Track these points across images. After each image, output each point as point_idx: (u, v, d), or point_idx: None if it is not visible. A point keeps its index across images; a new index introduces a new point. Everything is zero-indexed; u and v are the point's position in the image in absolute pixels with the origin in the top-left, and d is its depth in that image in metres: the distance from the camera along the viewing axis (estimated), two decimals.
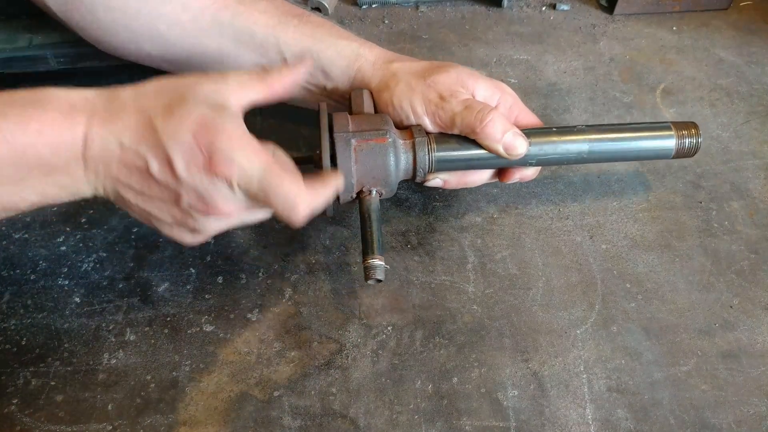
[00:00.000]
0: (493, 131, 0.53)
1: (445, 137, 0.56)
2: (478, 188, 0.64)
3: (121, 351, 0.53)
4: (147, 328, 0.54)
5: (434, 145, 0.55)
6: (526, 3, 0.83)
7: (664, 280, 0.58)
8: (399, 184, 0.58)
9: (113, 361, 0.53)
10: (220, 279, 0.57)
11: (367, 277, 0.51)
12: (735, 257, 0.59)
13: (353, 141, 0.52)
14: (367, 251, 0.51)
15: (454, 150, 0.55)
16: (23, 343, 0.53)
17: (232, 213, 0.47)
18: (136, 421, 0.49)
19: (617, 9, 0.81)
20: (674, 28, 0.80)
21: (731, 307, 0.56)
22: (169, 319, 0.55)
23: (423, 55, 0.76)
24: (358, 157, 0.52)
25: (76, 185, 0.45)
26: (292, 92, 0.50)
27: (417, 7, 0.82)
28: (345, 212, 0.62)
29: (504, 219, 0.62)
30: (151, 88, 0.46)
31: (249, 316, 0.55)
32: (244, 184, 0.45)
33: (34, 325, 0.54)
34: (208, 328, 0.54)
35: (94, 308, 0.55)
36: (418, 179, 0.56)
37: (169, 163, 0.44)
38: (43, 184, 0.44)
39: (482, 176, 0.59)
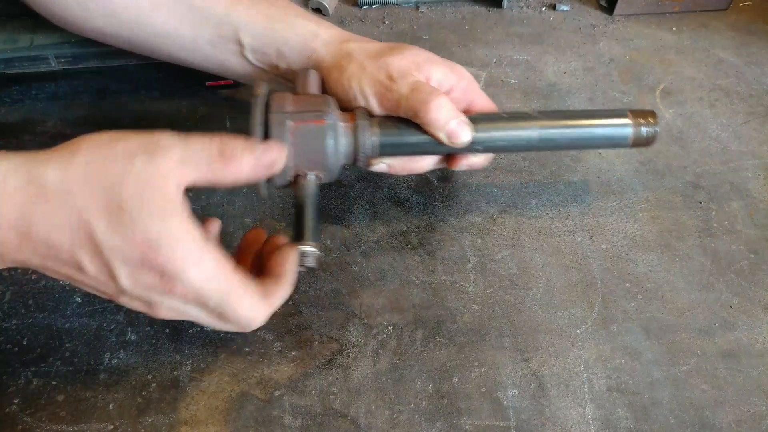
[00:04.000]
0: (436, 117, 0.51)
1: (390, 121, 0.53)
2: (478, 188, 0.64)
3: (122, 351, 0.53)
4: (148, 328, 0.54)
5: (377, 129, 0.52)
6: (526, 3, 0.83)
7: (663, 279, 0.58)
8: (399, 182, 0.59)
9: (114, 361, 0.53)
10: None
11: (299, 263, 0.48)
12: (735, 257, 0.59)
13: (289, 122, 0.49)
14: (297, 237, 0.49)
15: (398, 135, 0.53)
16: (24, 342, 0.54)
17: (173, 318, 0.44)
18: (137, 421, 0.50)
19: (617, 9, 0.81)
20: (674, 28, 0.80)
21: (731, 306, 0.56)
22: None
23: None
24: (294, 140, 0.49)
25: None
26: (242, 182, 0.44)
27: (417, 8, 0.82)
28: (345, 212, 0.62)
29: (504, 219, 0.62)
30: (79, 170, 0.39)
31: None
32: (199, 305, 0.43)
33: (35, 324, 0.54)
34: (209, 328, 0.54)
35: (95, 308, 0.55)
36: (360, 164, 0.54)
37: (110, 273, 0.41)
38: None
39: (428, 162, 0.57)
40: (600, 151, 0.67)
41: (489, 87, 0.73)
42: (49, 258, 0.41)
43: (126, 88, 0.71)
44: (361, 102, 0.54)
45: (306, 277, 0.58)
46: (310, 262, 0.49)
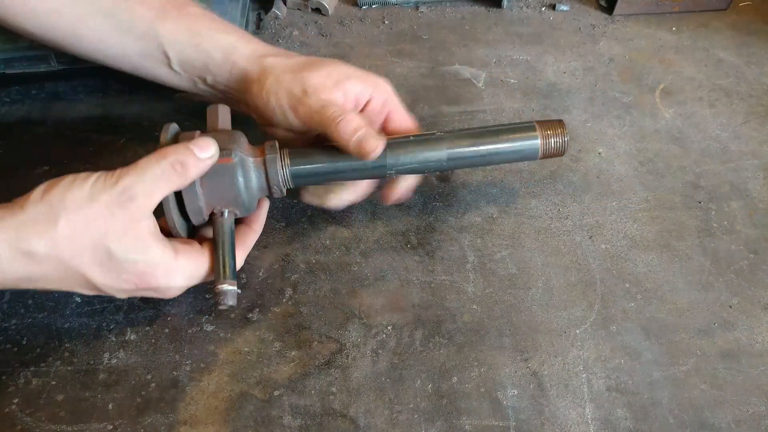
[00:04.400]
0: (344, 130, 0.52)
1: (301, 151, 0.54)
2: (478, 188, 0.64)
3: (121, 350, 0.53)
4: (148, 328, 0.54)
5: (288, 160, 0.53)
6: (526, 3, 0.83)
7: (663, 279, 0.58)
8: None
9: (114, 361, 0.53)
10: None
11: (217, 303, 0.50)
12: (734, 257, 0.59)
13: None
14: (217, 276, 0.51)
15: (310, 163, 0.54)
16: (24, 342, 0.54)
17: None
18: (136, 421, 0.50)
19: (617, 9, 0.81)
20: (674, 28, 0.80)
21: (730, 306, 0.56)
22: (169, 318, 0.55)
23: (423, 55, 0.77)
24: (202, 180, 0.50)
25: None
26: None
27: (417, 8, 0.82)
28: (345, 212, 0.62)
29: (504, 219, 0.62)
30: (64, 235, 0.45)
31: (249, 315, 0.55)
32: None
33: (34, 324, 0.54)
34: (209, 328, 0.54)
35: (94, 308, 0.55)
36: (276, 195, 0.55)
37: (110, 297, 0.51)
38: None
39: (345, 198, 0.59)
40: (600, 150, 0.67)
41: (489, 87, 0.73)
42: (47, 291, 0.52)
43: (126, 88, 0.71)
44: (278, 115, 0.55)
45: (306, 277, 0.58)
46: (230, 301, 0.51)
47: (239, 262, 0.54)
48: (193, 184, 0.50)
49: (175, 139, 0.52)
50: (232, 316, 0.55)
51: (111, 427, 0.49)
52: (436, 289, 0.57)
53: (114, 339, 0.54)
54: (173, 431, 0.49)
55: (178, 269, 0.50)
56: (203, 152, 0.49)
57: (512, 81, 0.74)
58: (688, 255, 0.59)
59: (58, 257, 0.46)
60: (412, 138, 0.55)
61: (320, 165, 0.54)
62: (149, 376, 0.52)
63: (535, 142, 0.56)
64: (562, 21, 0.81)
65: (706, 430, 0.50)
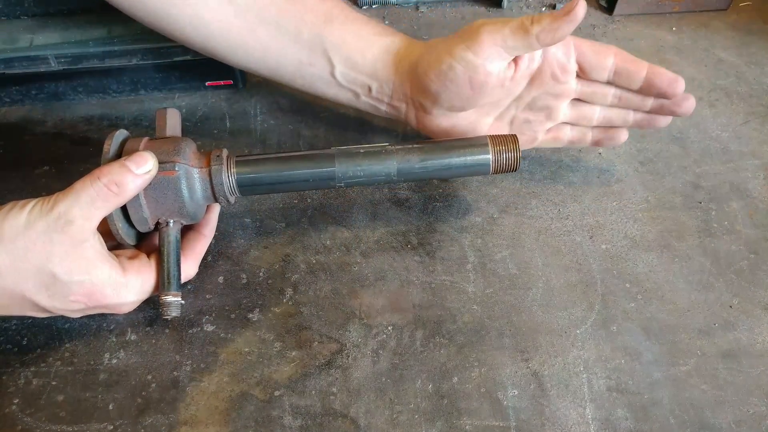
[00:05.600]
0: (535, 22, 0.51)
1: (249, 160, 0.54)
2: (478, 188, 0.64)
3: (122, 351, 0.53)
4: (148, 328, 0.54)
5: (234, 170, 0.53)
6: (526, 3, 0.83)
7: (663, 280, 0.58)
8: (395, 185, 0.58)
9: (114, 361, 0.53)
10: (220, 279, 0.57)
11: (162, 314, 0.51)
12: (734, 257, 0.59)
13: None
14: (162, 287, 0.51)
15: (257, 173, 0.54)
16: (24, 342, 0.54)
17: None
18: (137, 421, 0.50)
19: (617, 9, 0.81)
20: (674, 28, 0.80)
21: (731, 307, 0.56)
22: (169, 319, 0.55)
23: None
24: (146, 191, 0.50)
25: None
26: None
27: (417, 8, 0.82)
28: (345, 212, 0.62)
29: (504, 219, 0.62)
30: (6, 261, 0.45)
31: (250, 316, 0.55)
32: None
33: (35, 325, 0.54)
34: (209, 328, 0.54)
35: None
36: (223, 204, 0.55)
37: (63, 316, 0.51)
38: None
39: None
40: (600, 150, 0.67)
41: None
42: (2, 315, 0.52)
43: (126, 88, 0.71)
44: (449, 80, 0.54)
45: (306, 278, 0.58)
46: (174, 312, 0.51)
47: (192, 270, 0.55)
48: (137, 196, 0.50)
49: (122, 146, 0.52)
50: (233, 316, 0.55)
51: (111, 427, 0.49)
52: (436, 289, 0.57)
53: (114, 339, 0.54)
54: (173, 431, 0.49)
55: (127, 285, 0.50)
56: (140, 168, 0.49)
57: None
58: (688, 255, 0.59)
59: (4, 285, 0.46)
60: (362, 150, 0.55)
61: (267, 174, 0.54)
62: (149, 377, 0.52)
63: (486, 157, 0.56)
64: None
65: (707, 431, 0.50)
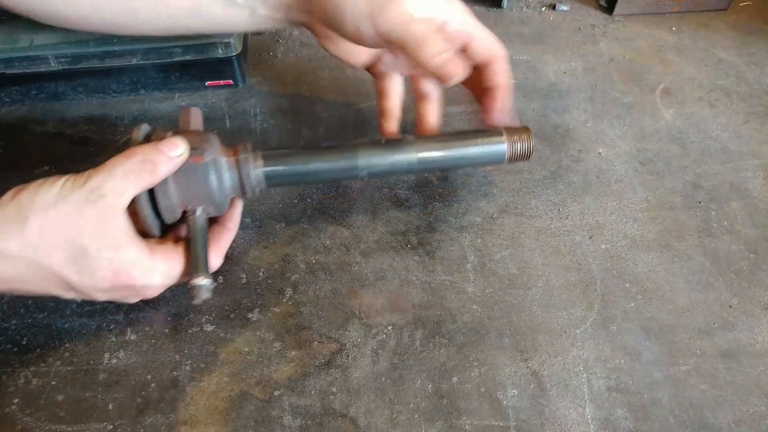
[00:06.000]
0: (429, 50, 0.50)
1: (274, 152, 0.55)
2: (478, 188, 0.64)
3: (121, 351, 0.53)
4: (148, 328, 0.54)
5: (261, 161, 0.54)
6: (526, 3, 0.83)
7: (663, 279, 0.58)
8: (398, 183, 0.58)
9: (114, 361, 0.53)
10: (220, 279, 0.57)
11: (192, 297, 0.50)
12: (734, 257, 0.59)
13: None
14: (192, 271, 0.51)
15: (283, 165, 0.55)
16: (24, 342, 0.54)
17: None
18: (136, 421, 0.50)
19: (617, 9, 0.81)
20: (674, 28, 0.80)
21: (731, 306, 0.56)
22: (169, 318, 0.55)
23: None
24: (175, 178, 0.51)
25: None
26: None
27: None
28: (345, 212, 0.62)
29: (504, 219, 0.62)
30: (36, 235, 0.45)
31: (249, 315, 0.55)
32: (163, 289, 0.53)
33: (34, 324, 0.54)
34: (209, 328, 0.54)
35: (94, 308, 0.55)
36: (249, 196, 0.55)
37: (89, 297, 0.49)
38: None
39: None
40: (600, 150, 0.67)
41: None
42: (30, 294, 0.49)
43: (126, 88, 0.71)
44: (350, 23, 0.51)
45: (306, 277, 0.58)
46: (205, 295, 0.51)
47: (217, 263, 0.54)
48: (165, 182, 0.50)
49: (147, 140, 0.52)
50: (233, 316, 0.55)
51: (111, 427, 0.49)
52: (436, 289, 0.57)
53: (114, 339, 0.54)
54: (173, 431, 0.49)
55: (155, 268, 0.50)
56: (172, 150, 0.49)
57: (512, 81, 0.74)
58: (688, 255, 0.59)
59: (33, 257, 0.45)
60: (383, 141, 0.57)
61: (293, 166, 0.55)
62: (149, 376, 0.52)
63: (501, 147, 0.58)
64: (562, 21, 0.81)
65: (707, 430, 0.50)
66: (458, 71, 0.51)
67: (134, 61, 0.66)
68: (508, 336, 0.54)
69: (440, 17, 0.53)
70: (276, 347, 0.54)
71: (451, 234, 0.61)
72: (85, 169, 0.48)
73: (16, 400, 0.51)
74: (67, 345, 0.53)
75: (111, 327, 0.54)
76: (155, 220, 0.52)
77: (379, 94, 0.62)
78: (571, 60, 0.76)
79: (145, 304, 0.55)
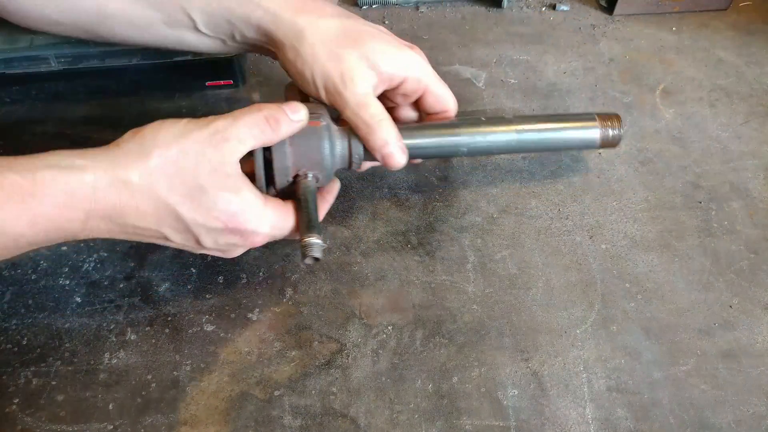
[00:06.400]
0: (374, 139, 0.54)
1: None
2: (478, 188, 0.64)
3: (122, 351, 0.53)
4: (148, 328, 0.54)
5: None
6: (526, 3, 0.83)
7: (663, 279, 0.58)
8: (398, 183, 0.58)
9: (114, 361, 0.53)
10: (220, 279, 0.57)
11: (304, 255, 0.50)
12: (734, 257, 0.59)
13: None
14: (303, 230, 0.51)
15: None
16: (24, 342, 0.54)
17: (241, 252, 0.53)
18: (137, 421, 0.50)
19: (617, 9, 0.81)
20: (674, 28, 0.80)
21: (731, 306, 0.56)
22: (170, 318, 0.55)
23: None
24: (292, 140, 0.52)
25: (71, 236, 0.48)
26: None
27: (417, 8, 0.82)
28: (345, 212, 0.62)
29: (504, 219, 0.62)
30: (156, 165, 0.46)
31: (250, 315, 0.55)
32: (269, 240, 0.53)
33: (35, 324, 0.54)
34: (209, 328, 0.54)
35: (95, 308, 0.55)
36: (354, 167, 0.56)
37: (195, 239, 0.49)
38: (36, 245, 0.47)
39: None
40: (600, 151, 0.67)
41: (489, 87, 0.73)
42: (135, 235, 0.49)
43: (126, 88, 0.71)
44: (311, 88, 0.55)
45: (306, 277, 0.58)
46: (317, 253, 0.50)
47: None
48: (283, 144, 0.51)
49: None
50: (233, 316, 0.55)
51: (111, 427, 0.49)
52: (436, 289, 0.57)
53: (114, 339, 0.54)
54: (173, 431, 0.49)
55: (266, 215, 0.50)
56: (295, 114, 0.50)
57: (512, 81, 0.74)
58: (688, 255, 0.59)
59: (151, 188, 0.46)
60: (484, 118, 0.58)
61: (404, 141, 0.56)
62: (149, 376, 0.52)
63: (595, 132, 0.59)
64: (562, 21, 0.81)
65: (707, 430, 0.50)
66: (402, 162, 0.55)
67: (134, 61, 0.66)
68: (509, 336, 0.54)
69: (398, 76, 0.55)
70: (276, 347, 0.54)
71: (451, 234, 0.61)
72: None
73: (16, 400, 0.50)
74: (67, 345, 0.53)
75: (111, 327, 0.54)
76: (264, 186, 0.53)
77: None
78: (571, 60, 0.76)
79: (145, 303, 0.55)
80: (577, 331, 0.55)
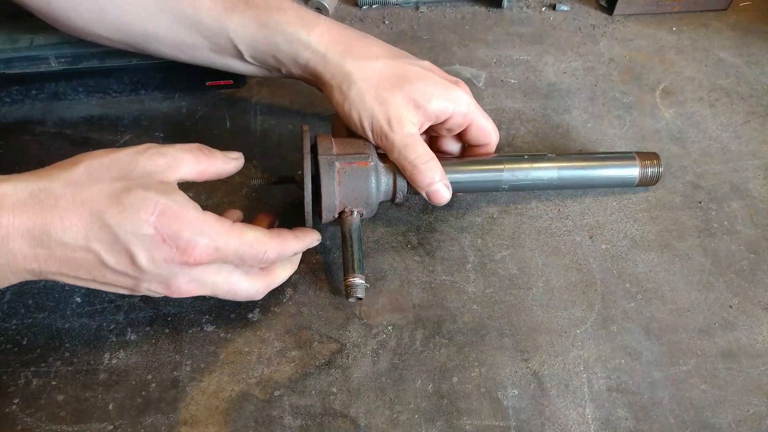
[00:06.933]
0: (421, 179, 0.55)
1: None
2: None
3: (122, 351, 0.53)
4: (148, 328, 0.54)
5: None
6: (526, 3, 0.83)
7: (663, 279, 0.58)
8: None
9: (114, 361, 0.53)
10: None
11: (348, 296, 0.53)
12: (734, 257, 0.59)
13: (337, 164, 0.54)
14: (348, 270, 0.53)
15: None
16: (24, 342, 0.54)
17: (194, 293, 0.47)
18: (137, 421, 0.50)
19: (617, 9, 0.81)
20: (674, 28, 0.80)
21: (731, 306, 0.56)
22: (170, 319, 0.55)
23: (423, 55, 0.76)
24: (341, 179, 0.53)
25: None
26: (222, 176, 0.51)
27: (417, 8, 0.82)
28: None
29: (504, 219, 0.62)
30: (81, 173, 0.43)
31: (250, 316, 0.55)
32: (219, 260, 0.46)
33: (35, 324, 0.54)
34: (209, 328, 0.54)
35: (95, 308, 0.55)
36: (398, 201, 0.57)
37: (129, 256, 0.43)
38: None
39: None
40: (600, 151, 0.67)
41: (489, 87, 0.73)
42: (66, 262, 0.43)
43: (126, 88, 0.71)
44: (359, 130, 0.56)
45: (306, 277, 0.58)
46: (359, 293, 0.53)
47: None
48: (332, 182, 0.53)
49: (314, 139, 0.56)
50: (233, 316, 0.55)
51: (111, 427, 0.49)
52: (436, 289, 0.57)
53: (114, 339, 0.54)
54: (173, 431, 0.49)
55: (206, 220, 0.44)
56: (232, 153, 0.51)
57: (512, 81, 0.74)
58: (688, 255, 0.59)
59: (75, 195, 0.42)
60: (526, 156, 0.59)
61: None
62: (149, 376, 0.52)
63: (634, 171, 0.60)
64: (562, 21, 0.81)
65: (707, 431, 0.50)
66: (447, 197, 0.56)
67: (134, 61, 0.66)
68: (509, 336, 0.54)
69: (445, 113, 0.56)
70: (276, 347, 0.54)
71: (451, 234, 0.61)
72: None
73: (16, 400, 0.50)
74: (67, 345, 0.53)
75: (111, 327, 0.54)
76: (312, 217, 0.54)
77: None
78: (571, 60, 0.76)
79: (145, 303, 0.55)
80: (577, 331, 0.55)
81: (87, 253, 0.43)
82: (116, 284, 0.45)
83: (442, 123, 0.57)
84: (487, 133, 0.59)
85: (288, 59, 0.57)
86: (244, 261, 0.48)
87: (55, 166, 0.45)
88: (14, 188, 0.42)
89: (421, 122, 0.56)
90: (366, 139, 0.56)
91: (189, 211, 0.44)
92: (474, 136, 0.59)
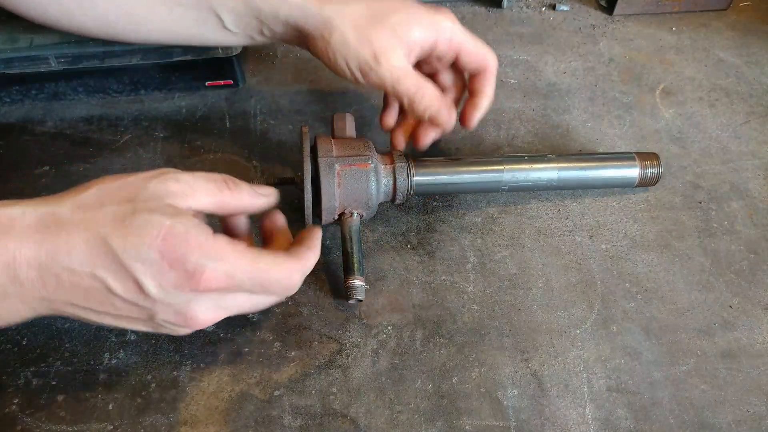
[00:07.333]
0: (417, 106, 0.54)
1: (425, 162, 0.58)
2: None
3: (121, 351, 0.53)
4: None
5: (414, 170, 0.57)
6: (526, 4, 0.83)
7: (663, 280, 0.58)
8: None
9: (114, 361, 0.53)
10: None
11: (348, 297, 0.53)
12: (734, 257, 0.59)
13: (337, 166, 0.54)
14: (347, 272, 0.53)
15: (432, 175, 0.58)
16: (24, 342, 0.54)
17: (213, 320, 0.45)
18: (137, 421, 0.50)
19: (617, 9, 0.81)
20: (673, 28, 0.80)
21: (731, 306, 0.56)
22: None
23: None
24: (341, 181, 0.54)
25: (9, 311, 0.41)
26: (244, 212, 0.49)
27: None
28: None
29: (504, 219, 0.62)
30: (91, 196, 0.42)
31: (249, 315, 0.55)
32: (233, 286, 0.43)
33: (34, 324, 0.54)
34: (209, 328, 0.54)
35: None
36: (398, 201, 0.58)
37: (136, 283, 0.40)
38: None
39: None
40: (600, 151, 0.67)
41: None
42: (75, 289, 0.41)
43: (126, 88, 0.71)
44: (347, 74, 0.55)
45: (306, 277, 0.57)
46: (359, 295, 0.53)
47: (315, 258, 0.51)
48: (332, 184, 0.53)
49: (313, 140, 0.56)
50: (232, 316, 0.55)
51: (111, 427, 0.49)
52: (436, 289, 0.57)
53: (114, 339, 0.54)
54: (173, 431, 0.49)
55: (219, 242, 0.42)
56: (262, 189, 0.49)
57: (512, 81, 0.74)
58: (688, 255, 0.59)
59: (83, 217, 0.40)
60: (526, 157, 0.60)
61: (441, 176, 0.59)
62: (149, 377, 0.52)
63: (634, 171, 0.61)
64: (562, 21, 0.81)
65: (707, 431, 0.50)
66: (451, 119, 0.56)
67: (134, 61, 0.66)
68: (508, 336, 0.54)
69: (429, 41, 0.55)
70: (276, 347, 0.54)
71: (451, 234, 0.61)
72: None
73: (16, 400, 0.50)
74: (67, 345, 0.53)
75: (111, 327, 0.54)
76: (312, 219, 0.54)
77: None
78: (571, 60, 0.76)
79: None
80: (577, 331, 0.55)
81: (93, 280, 0.40)
82: (130, 316, 0.43)
83: (430, 54, 0.56)
84: (480, 56, 0.57)
85: (269, 18, 0.55)
86: (267, 290, 0.46)
87: (68, 190, 0.43)
88: (23, 212, 0.41)
89: (406, 55, 0.54)
90: (366, 140, 0.56)
91: (197, 234, 0.41)
92: (467, 62, 0.57)
